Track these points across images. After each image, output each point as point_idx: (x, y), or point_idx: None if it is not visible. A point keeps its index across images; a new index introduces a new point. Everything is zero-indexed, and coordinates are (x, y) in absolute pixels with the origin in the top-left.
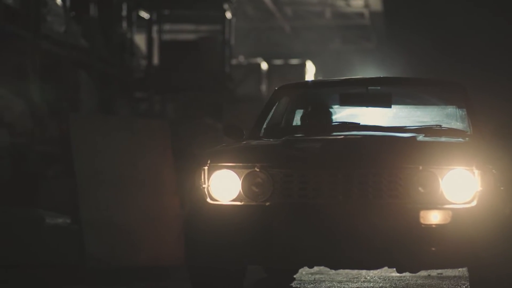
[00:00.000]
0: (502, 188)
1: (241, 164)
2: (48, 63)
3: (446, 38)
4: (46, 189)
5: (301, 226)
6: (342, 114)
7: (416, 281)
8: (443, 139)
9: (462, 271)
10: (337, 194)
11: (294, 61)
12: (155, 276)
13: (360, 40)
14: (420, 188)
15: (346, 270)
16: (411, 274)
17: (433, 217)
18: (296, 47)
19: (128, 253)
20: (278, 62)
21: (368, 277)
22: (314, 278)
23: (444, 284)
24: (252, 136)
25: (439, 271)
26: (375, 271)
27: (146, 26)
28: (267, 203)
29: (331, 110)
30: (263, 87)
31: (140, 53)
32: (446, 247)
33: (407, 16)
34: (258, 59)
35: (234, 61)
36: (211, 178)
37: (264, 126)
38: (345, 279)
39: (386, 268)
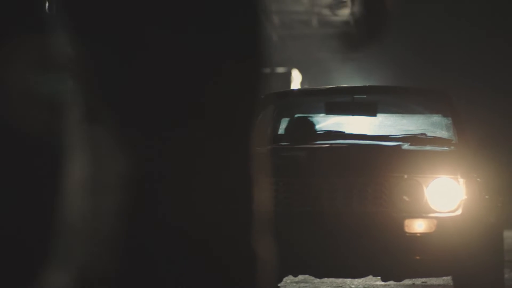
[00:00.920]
0: (486, 196)
1: None
2: None
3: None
4: None
5: (285, 235)
6: (327, 122)
7: None
8: (428, 147)
9: (447, 279)
10: (322, 202)
11: (281, 70)
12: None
13: (345, 49)
14: (405, 197)
15: (331, 279)
16: (395, 282)
17: (417, 226)
18: (282, 55)
19: None
20: (265, 70)
21: (353, 286)
22: (299, 287)
23: None
24: None
25: (424, 279)
26: (360, 280)
27: None
28: None
29: (317, 118)
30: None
31: None
32: (431, 255)
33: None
34: None
35: None
36: None
37: None
38: (329, 287)
39: (370, 276)
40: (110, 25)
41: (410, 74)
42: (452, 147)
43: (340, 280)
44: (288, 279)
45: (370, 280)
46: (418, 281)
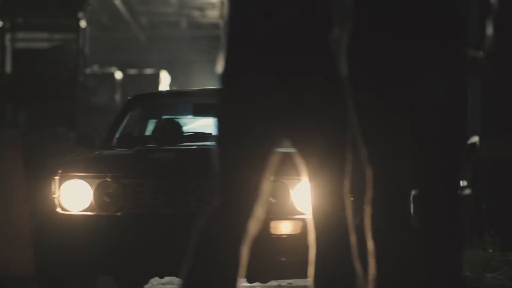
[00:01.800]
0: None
1: (92, 174)
2: None
3: None
4: None
5: (151, 237)
6: (195, 124)
7: None
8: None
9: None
10: (188, 204)
11: (149, 71)
12: (3, 286)
13: (215, 51)
14: (271, 199)
15: None
16: (261, 284)
17: (283, 228)
18: (151, 57)
19: None
20: (132, 71)
21: None
22: None
23: None
24: (104, 146)
25: (290, 280)
26: None
27: None
28: (118, 213)
29: (184, 120)
30: (117, 97)
31: None
32: (296, 257)
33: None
34: (112, 69)
35: (88, 70)
36: (62, 188)
37: (117, 135)
38: None
39: None
40: None
41: None
42: None
43: None
44: (155, 280)
45: None
46: (284, 282)
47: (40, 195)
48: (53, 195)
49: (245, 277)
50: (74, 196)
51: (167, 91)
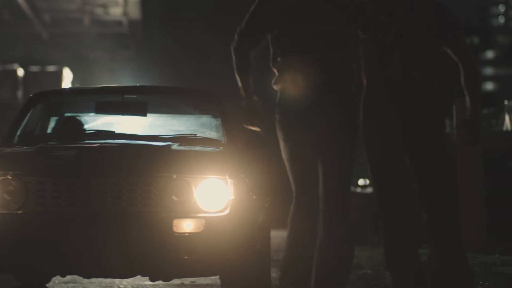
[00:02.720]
0: (254, 197)
1: None
2: None
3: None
4: None
5: (53, 235)
6: (98, 122)
7: None
8: (197, 148)
9: (215, 279)
10: (91, 202)
11: (51, 68)
12: None
13: (118, 48)
14: (174, 197)
15: (100, 279)
16: (164, 282)
17: (186, 226)
18: (53, 54)
19: None
20: (34, 68)
21: (122, 286)
22: (67, 287)
23: None
24: (5, 144)
25: (192, 279)
26: (129, 280)
27: None
28: (20, 211)
29: (87, 118)
30: (19, 94)
31: None
32: (199, 255)
33: (165, 25)
34: (15, 65)
35: None
36: None
37: (18, 133)
38: (98, 287)
39: (139, 276)
40: None
41: (183, 74)
42: (221, 147)
43: (108, 280)
44: (56, 279)
45: (139, 280)
46: (187, 280)
47: None
48: None
49: (148, 276)
50: None
51: (70, 88)
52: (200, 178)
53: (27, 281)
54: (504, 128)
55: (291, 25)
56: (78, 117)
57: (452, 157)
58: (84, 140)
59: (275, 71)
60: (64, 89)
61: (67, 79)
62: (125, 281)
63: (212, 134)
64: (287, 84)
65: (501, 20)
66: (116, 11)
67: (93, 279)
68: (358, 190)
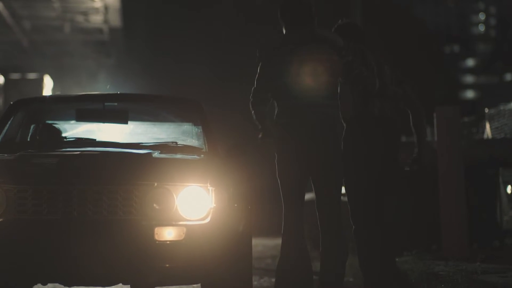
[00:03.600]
0: (235, 205)
1: None
2: None
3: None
4: None
5: (34, 243)
6: (78, 130)
7: None
8: (178, 156)
9: (196, 287)
10: (71, 210)
11: (32, 76)
12: None
13: (99, 56)
14: (155, 205)
15: (81, 287)
16: None
17: (167, 234)
18: (34, 61)
19: None
20: (15, 76)
21: None
22: None
23: None
24: None
25: (174, 287)
26: None
27: None
28: (0, 219)
29: (67, 125)
30: (0, 101)
31: None
32: (180, 263)
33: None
34: None
35: None
36: None
37: None
38: None
39: (121, 284)
40: None
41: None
42: (202, 155)
43: None
44: (37, 287)
45: None
46: None
47: None
48: None
49: (129, 284)
50: None
51: (51, 96)
52: (181, 186)
53: None
54: (485, 136)
55: (290, 77)
56: (59, 125)
57: (433, 165)
58: (65, 148)
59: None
60: (45, 96)
61: (48, 86)
62: None
63: (193, 142)
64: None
65: (481, 28)
66: (96, 19)
67: (74, 287)
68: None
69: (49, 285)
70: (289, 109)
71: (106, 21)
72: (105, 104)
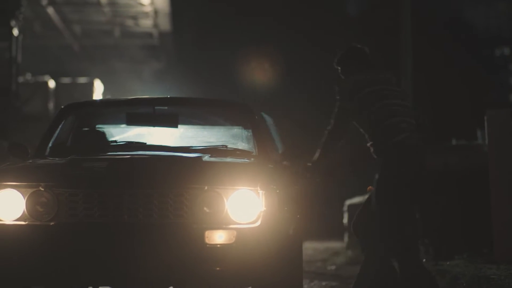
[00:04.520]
0: (285, 208)
1: (25, 183)
2: None
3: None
4: None
5: (85, 246)
6: (129, 133)
7: None
8: (228, 159)
9: None
10: (122, 213)
11: (82, 80)
12: None
13: (149, 60)
14: (205, 208)
15: None
16: None
17: (218, 237)
18: (84, 65)
19: None
20: (65, 80)
21: None
22: None
23: None
24: (37, 155)
25: None
26: None
27: None
28: (52, 223)
29: (118, 129)
30: (51, 105)
31: None
32: (230, 266)
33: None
34: (46, 77)
35: (21, 79)
36: None
37: (50, 145)
38: None
39: (171, 287)
40: None
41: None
42: (252, 159)
43: None
44: None
45: None
46: None
47: None
48: None
49: (180, 287)
50: (7, 205)
51: (101, 100)
52: (231, 189)
53: None
54: None
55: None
56: (109, 129)
57: (484, 168)
58: (116, 152)
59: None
60: (95, 100)
61: (98, 90)
62: None
63: (243, 145)
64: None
65: None
66: (146, 23)
67: None
68: None
69: None
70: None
71: (155, 25)
72: (155, 108)
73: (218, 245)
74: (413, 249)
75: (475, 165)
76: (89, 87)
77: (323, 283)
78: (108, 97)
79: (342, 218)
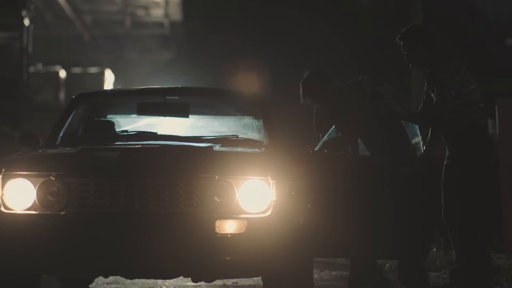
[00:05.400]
0: (296, 198)
1: (36, 172)
2: None
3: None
4: None
5: (96, 236)
6: (139, 123)
7: None
8: (239, 149)
9: (257, 280)
10: (133, 203)
11: (93, 70)
12: None
13: (160, 50)
14: (216, 198)
15: (142, 280)
16: (206, 283)
17: (228, 227)
18: (95, 55)
19: None
20: (76, 70)
21: (164, 286)
22: (110, 287)
23: None
24: (48, 145)
25: (234, 280)
26: (171, 280)
27: None
28: (63, 212)
29: (129, 119)
30: (62, 95)
31: None
32: (241, 256)
33: (207, 26)
34: (57, 67)
35: (32, 69)
36: (5, 187)
37: (61, 134)
38: None
39: (182, 277)
40: None
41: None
42: (262, 148)
43: (151, 281)
44: (99, 280)
45: (182, 280)
46: (229, 281)
47: None
48: None
49: (190, 276)
50: (18, 195)
51: (112, 89)
52: (242, 179)
53: (69, 282)
54: None
55: None
56: (120, 118)
57: (495, 158)
58: (126, 141)
59: None
60: (106, 90)
61: (109, 80)
62: (168, 281)
63: (254, 135)
64: None
65: None
66: (157, 13)
67: (136, 280)
68: None
69: (111, 277)
70: None
71: (166, 15)
72: (166, 97)
73: (229, 235)
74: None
75: None
76: (100, 77)
77: (333, 273)
78: (119, 87)
79: None
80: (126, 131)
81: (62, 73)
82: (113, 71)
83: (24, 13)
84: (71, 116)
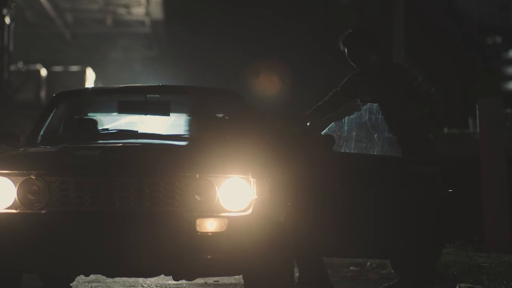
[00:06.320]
0: (276, 196)
1: (16, 171)
2: None
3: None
4: None
5: (76, 234)
6: (120, 122)
7: None
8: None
9: (238, 278)
10: (113, 202)
11: (74, 68)
12: None
13: (141, 48)
14: (197, 196)
15: (123, 278)
16: (187, 281)
17: (209, 225)
18: (76, 54)
19: None
20: (57, 68)
21: (145, 285)
22: (91, 286)
23: None
24: (29, 143)
25: (216, 278)
26: (152, 279)
27: None
28: (43, 211)
29: (109, 117)
30: (43, 94)
31: None
32: (222, 255)
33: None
34: (38, 66)
35: (12, 67)
36: None
37: (42, 133)
38: (122, 287)
39: (163, 275)
40: None
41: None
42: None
43: (132, 280)
44: (80, 278)
45: (163, 279)
46: (210, 280)
47: None
48: None
49: (171, 275)
50: None
51: (93, 88)
52: (223, 177)
53: (51, 281)
54: None
55: None
56: (101, 117)
57: (475, 157)
58: (107, 140)
59: None
60: (87, 89)
61: (90, 79)
62: (149, 280)
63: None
64: None
65: None
66: (138, 11)
67: (117, 279)
68: None
69: (92, 276)
70: None
71: (148, 13)
72: (147, 96)
73: (209, 233)
74: None
75: (466, 153)
76: (81, 75)
77: None
78: (100, 85)
79: None
80: (107, 129)
81: (43, 72)
82: (94, 70)
83: (5, 11)
84: (52, 115)
